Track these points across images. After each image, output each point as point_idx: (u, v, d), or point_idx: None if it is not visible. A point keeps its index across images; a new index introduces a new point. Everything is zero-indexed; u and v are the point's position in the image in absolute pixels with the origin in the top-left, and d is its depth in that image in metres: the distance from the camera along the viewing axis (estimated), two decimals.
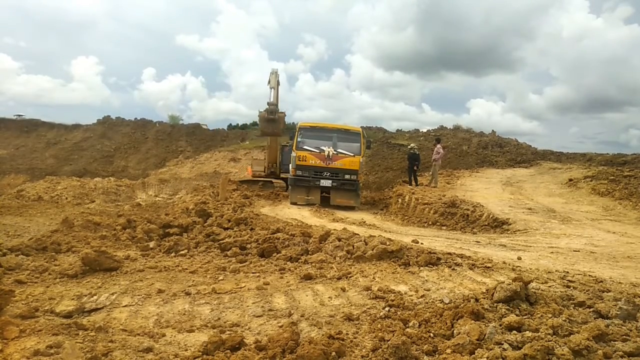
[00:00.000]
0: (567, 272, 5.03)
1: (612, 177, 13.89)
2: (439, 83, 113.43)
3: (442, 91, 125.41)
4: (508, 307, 3.23)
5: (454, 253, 5.94)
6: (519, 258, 5.98)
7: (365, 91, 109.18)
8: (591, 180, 14.23)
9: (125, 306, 3.87)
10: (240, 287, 4.50)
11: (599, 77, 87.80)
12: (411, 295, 4.11)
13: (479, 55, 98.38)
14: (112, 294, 4.18)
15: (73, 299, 3.98)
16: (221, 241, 6.51)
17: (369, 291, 4.24)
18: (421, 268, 5.10)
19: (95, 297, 4.06)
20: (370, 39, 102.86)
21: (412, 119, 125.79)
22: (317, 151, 12.92)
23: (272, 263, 5.58)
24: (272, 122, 14.79)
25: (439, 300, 3.91)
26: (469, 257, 5.76)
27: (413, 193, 13.12)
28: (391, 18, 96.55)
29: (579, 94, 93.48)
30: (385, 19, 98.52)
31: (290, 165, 13.38)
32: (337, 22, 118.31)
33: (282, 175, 16.51)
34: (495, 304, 3.29)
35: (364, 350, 2.88)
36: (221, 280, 4.83)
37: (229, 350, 2.82)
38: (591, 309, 3.32)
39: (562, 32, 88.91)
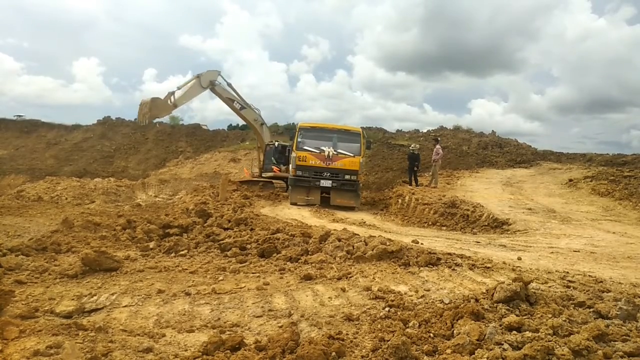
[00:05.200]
0: (567, 273, 5.03)
1: (612, 178, 13.88)
2: (441, 84, 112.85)
3: (444, 92, 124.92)
4: (508, 308, 3.23)
5: (454, 253, 5.94)
6: (519, 258, 5.98)
7: (367, 92, 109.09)
8: (591, 181, 14.22)
9: (125, 306, 3.87)
10: (240, 288, 4.50)
11: (601, 78, 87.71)
12: (411, 296, 4.11)
13: (482, 56, 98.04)
14: (112, 294, 4.19)
15: (73, 299, 3.98)
16: (221, 241, 6.51)
17: (369, 291, 4.23)
18: (421, 268, 5.10)
19: (95, 298, 4.06)
20: (373, 40, 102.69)
21: (414, 120, 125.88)
22: (317, 151, 12.93)
23: (272, 263, 5.58)
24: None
25: (439, 300, 3.91)
26: (469, 257, 5.76)
27: (413, 193, 13.12)
28: (395, 19, 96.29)
29: (580, 95, 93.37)
30: (389, 19, 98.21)
31: (290, 165, 13.40)
32: (341, 23, 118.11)
33: (264, 175, 16.65)
34: (495, 304, 3.29)
35: (364, 350, 2.88)
36: (221, 280, 4.83)
37: (229, 351, 2.82)
38: (591, 309, 3.32)
39: (565, 32, 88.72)
